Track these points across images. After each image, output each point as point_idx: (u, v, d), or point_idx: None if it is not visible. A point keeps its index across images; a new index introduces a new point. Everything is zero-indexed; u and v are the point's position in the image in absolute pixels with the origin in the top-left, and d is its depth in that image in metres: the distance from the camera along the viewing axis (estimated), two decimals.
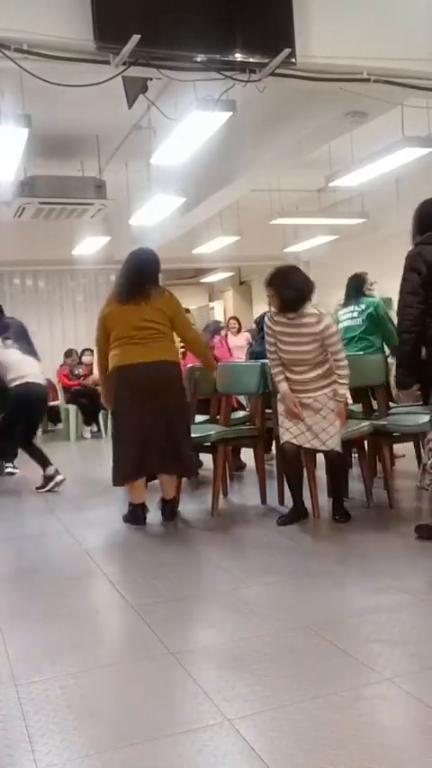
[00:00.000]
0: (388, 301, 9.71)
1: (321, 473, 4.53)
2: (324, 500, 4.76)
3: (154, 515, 4.62)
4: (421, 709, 2.07)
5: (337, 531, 4.16)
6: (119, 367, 4.42)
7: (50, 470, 5.98)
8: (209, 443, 4.79)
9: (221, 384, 5.14)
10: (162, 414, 4.38)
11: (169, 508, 4.63)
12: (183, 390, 4.62)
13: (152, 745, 1.99)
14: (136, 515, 4.56)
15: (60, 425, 10.74)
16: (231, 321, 10.22)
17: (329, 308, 12.21)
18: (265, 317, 4.39)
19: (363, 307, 6.01)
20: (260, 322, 6.07)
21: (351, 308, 6.06)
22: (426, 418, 4.55)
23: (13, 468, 6.95)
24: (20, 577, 3.72)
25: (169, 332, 4.52)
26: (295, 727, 2.02)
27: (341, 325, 5.88)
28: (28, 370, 6.01)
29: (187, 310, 8.38)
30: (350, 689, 2.23)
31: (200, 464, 5.98)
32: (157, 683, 2.36)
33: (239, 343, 9.16)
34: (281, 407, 4.34)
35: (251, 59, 4.36)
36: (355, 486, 5.14)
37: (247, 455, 5.92)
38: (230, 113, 4.84)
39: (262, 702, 2.18)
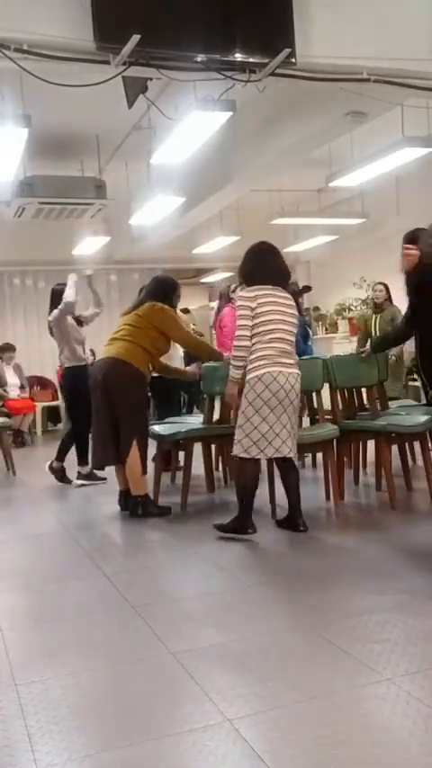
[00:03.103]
0: None
1: (320, 474, 4.53)
2: (322, 501, 4.77)
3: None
4: (421, 710, 2.07)
5: (338, 531, 4.17)
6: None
7: None
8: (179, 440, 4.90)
9: (203, 384, 5.11)
10: (101, 406, 4.69)
11: (131, 502, 4.75)
12: (123, 387, 4.61)
13: (152, 745, 1.99)
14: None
15: (60, 425, 10.72)
16: None
17: (329, 308, 12.21)
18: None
19: None
20: None
21: None
22: (426, 418, 4.56)
23: None
24: (20, 577, 3.72)
25: (140, 334, 4.67)
26: (295, 727, 2.02)
27: None
28: None
29: (187, 310, 8.32)
30: (350, 689, 2.22)
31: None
32: (157, 683, 2.36)
33: None
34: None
35: (251, 59, 4.36)
36: (355, 486, 5.15)
37: None
38: (230, 113, 4.85)
39: (262, 702, 2.18)
